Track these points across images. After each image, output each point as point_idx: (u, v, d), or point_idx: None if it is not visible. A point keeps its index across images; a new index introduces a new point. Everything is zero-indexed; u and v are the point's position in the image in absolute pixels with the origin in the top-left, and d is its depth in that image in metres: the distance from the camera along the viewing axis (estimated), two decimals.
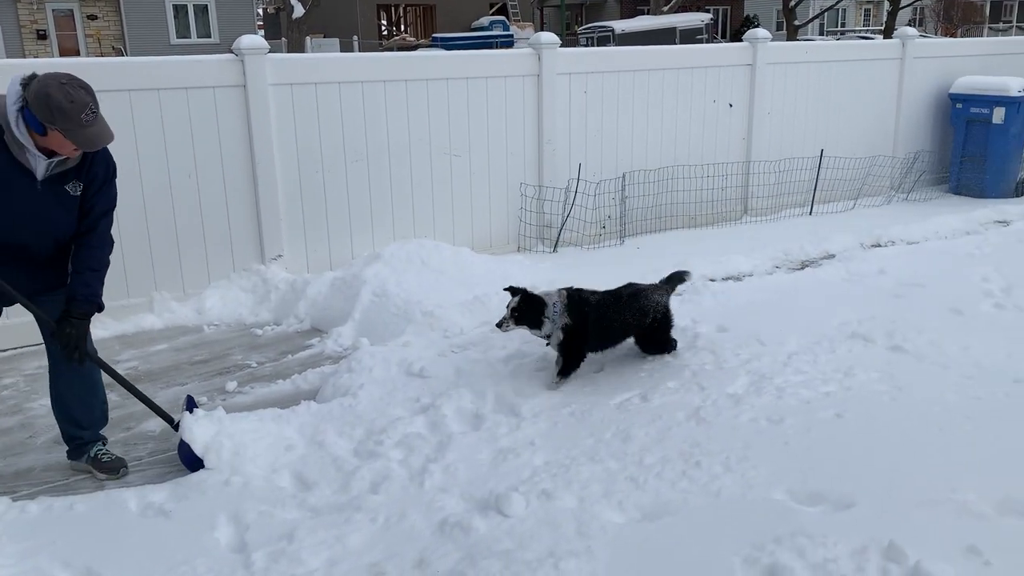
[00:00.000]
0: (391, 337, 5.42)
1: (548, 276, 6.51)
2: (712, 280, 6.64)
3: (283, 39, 26.71)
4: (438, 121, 7.18)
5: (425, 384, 4.69)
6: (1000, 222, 8.55)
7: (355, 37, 33.41)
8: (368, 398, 4.52)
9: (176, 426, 4.07)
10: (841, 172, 9.42)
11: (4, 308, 3.73)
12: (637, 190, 8.20)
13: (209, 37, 29.18)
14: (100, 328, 5.73)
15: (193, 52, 20.96)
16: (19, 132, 3.34)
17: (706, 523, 3.27)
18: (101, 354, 4.01)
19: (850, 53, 9.96)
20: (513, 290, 4.65)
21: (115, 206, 3.76)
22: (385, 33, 42.23)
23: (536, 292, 4.68)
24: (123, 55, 24.99)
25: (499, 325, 4.60)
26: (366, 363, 4.93)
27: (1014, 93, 9.55)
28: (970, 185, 10.01)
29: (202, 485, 3.72)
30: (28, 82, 3.35)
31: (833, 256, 7.36)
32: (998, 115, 9.64)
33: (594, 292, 4.80)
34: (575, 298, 4.66)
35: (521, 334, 4.78)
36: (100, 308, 3.73)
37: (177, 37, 28.73)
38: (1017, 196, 9.85)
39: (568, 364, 4.65)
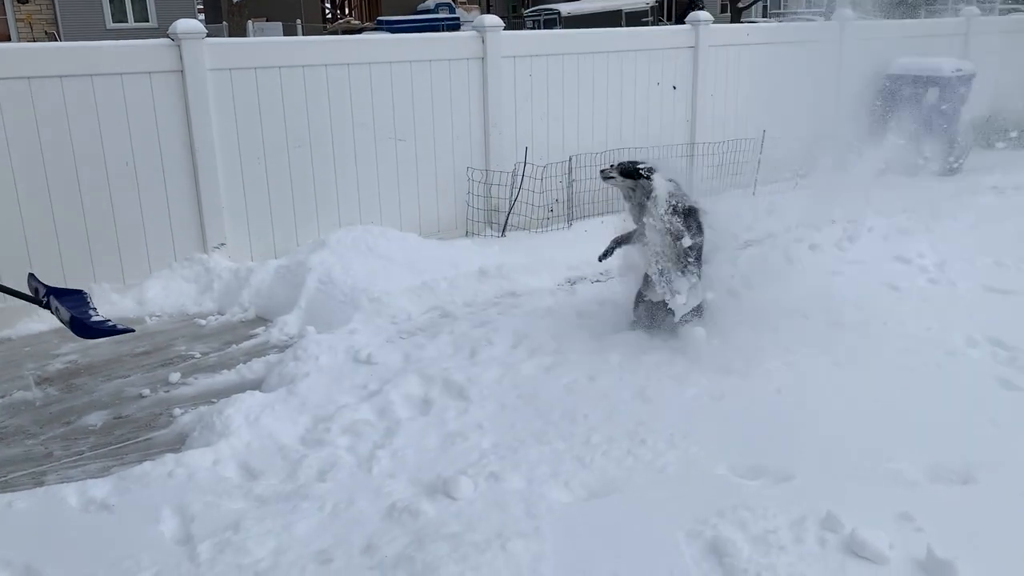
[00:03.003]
0: (338, 325, 5.38)
1: (497, 260, 6.52)
2: None
3: (224, 23, 26.15)
4: (382, 105, 7.12)
5: (372, 371, 4.68)
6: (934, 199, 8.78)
7: (298, 21, 32.82)
8: (315, 386, 4.49)
9: (46, 304, 3.99)
10: (782, 152, 9.57)
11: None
12: (584, 173, 8.23)
13: (147, 21, 28.38)
14: (36, 321, 5.60)
15: (130, 37, 20.38)
16: None
17: (651, 499, 3.34)
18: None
19: (790, 35, 10.11)
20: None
21: None
22: (329, 16, 41.59)
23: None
24: (57, 40, 24.21)
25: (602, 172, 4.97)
26: (312, 351, 4.90)
27: (947, 73, 9.83)
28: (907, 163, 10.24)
29: (145, 478, 3.66)
30: None
31: (773, 235, 7.47)
32: (932, 95, 9.89)
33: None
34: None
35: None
36: None
37: (113, 21, 27.88)
38: (951, 174, 10.12)
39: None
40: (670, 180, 4.76)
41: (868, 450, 3.61)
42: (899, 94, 10.15)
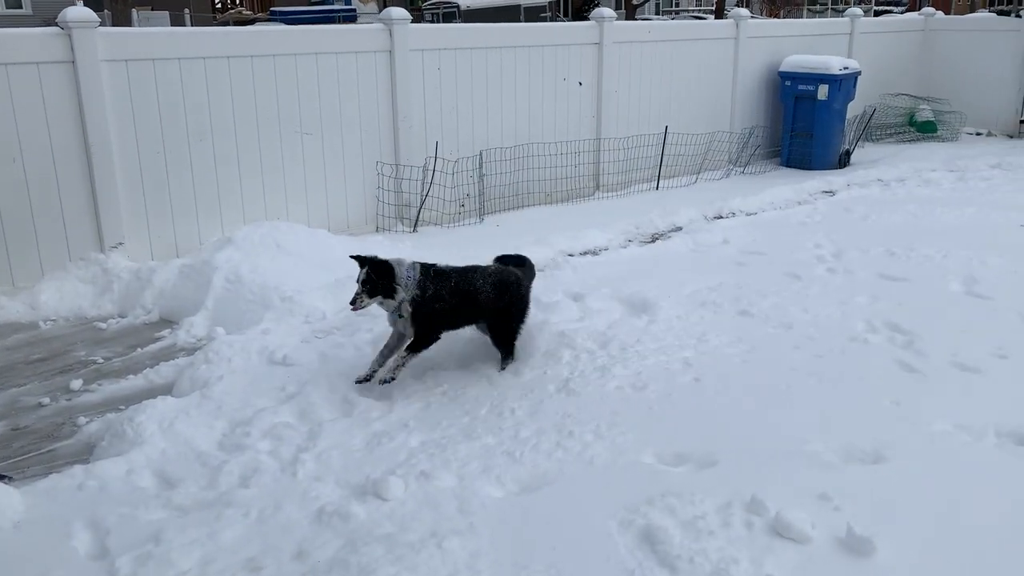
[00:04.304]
0: (249, 325, 5.22)
1: (410, 256, 6.44)
2: (571, 255, 6.80)
3: (105, 11, 24.90)
4: (287, 98, 6.93)
5: (290, 372, 4.56)
6: (827, 192, 9.21)
7: (186, 10, 31.60)
8: (230, 389, 4.34)
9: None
10: (684, 148, 9.84)
11: None
12: (494, 167, 8.25)
13: (20, 8, 26.78)
14: None
15: (3, 25, 19.18)
16: None
17: (582, 491, 3.37)
18: None
19: (690, 32, 10.39)
20: (360, 259, 4.30)
21: None
22: (219, 6, 40.23)
23: (386, 259, 4.30)
24: None
25: (353, 303, 4.24)
26: (224, 353, 4.74)
27: (836, 71, 10.27)
28: (799, 158, 10.70)
29: (52, 491, 3.47)
30: None
31: (680, 228, 7.70)
32: (822, 92, 10.34)
33: (448, 266, 4.52)
34: (429, 270, 4.36)
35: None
36: None
37: None
38: (840, 167, 10.62)
39: (419, 339, 4.34)
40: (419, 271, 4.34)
41: (785, 434, 3.75)
42: (792, 91, 10.58)
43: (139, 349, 5.26)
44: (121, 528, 3.21)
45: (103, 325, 5.63)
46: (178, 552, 3.04)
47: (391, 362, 4.35)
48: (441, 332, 4.45)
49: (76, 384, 4.71)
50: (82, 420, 4.27)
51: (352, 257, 4.37)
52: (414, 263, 4.37)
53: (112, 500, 3.41)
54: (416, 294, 4.27)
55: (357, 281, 4.26)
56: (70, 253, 6.08)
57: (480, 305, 4.46)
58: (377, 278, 4.22)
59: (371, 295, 4.23)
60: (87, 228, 6.13)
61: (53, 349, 5.25)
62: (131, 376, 4.82)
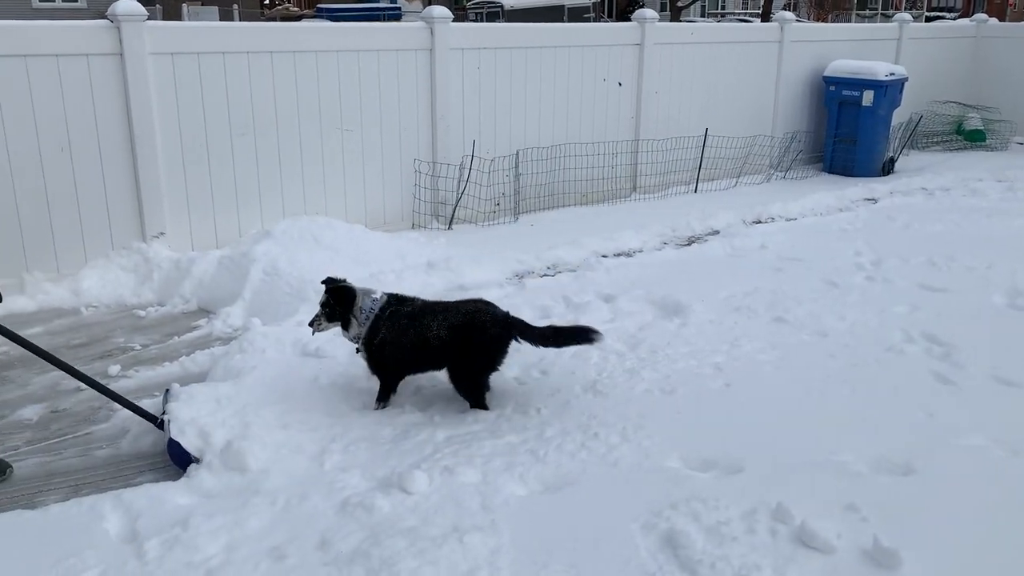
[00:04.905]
0: (284, 317, 5.29)
1: (444, 253, 6.51)
2: (604, 256, 6.78)
3: (157, 6, 25.41)
4: (328, 95, 7.01)
5: (321, 364, 4.61)
6: (869, 199, 9.06)
7: (235, 6, 32.11)
8: (262, 379, 4.40)
9: (160, 424, 3.84)
10: (724, 151, 9.75)
11: None
12: (530, 167, 8.26)
13: (75, 0, 27.44)
14: None
15: (58, 17, 19.65)
16: None
17: (606, 492, 3.36)
18: None
19: (733, 35, 10.29)
20: (329, 281, 4.13)
21: None
22: (267, 2, 40.76)
23: (354, 286, 4.08)
24: None
25: (311, 324, 4.10)
26: (259, 344, 4.80)
27: (882, 77, 10.10)
28: (842, 164, 10.54)
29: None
30: None
31: (717, 232, 7.63)
32: (867, 97, 10.17)
33: (415, 300, 4.14)
34: (391, 304, 4.05)
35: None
36: None
37: (39, 0, 26.87)
38: (884, 175, 10.44)
39: (381, 384, 4.10)
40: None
41: (814, 443, 3.71)
42: (836, 96, 10.43)
43: (176, 337, 5.36)
44: (151, 512, 3.27)
45: (142, 313, 5.75)
46: (205, 537, 3.09)
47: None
48: (397, 378, 4.15)
49: (114, 369, 4.82)
50: (116, 406, 4.35)
51: (322, 282, 4.17)
52: (385, 294, 4.12)
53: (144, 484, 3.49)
54: (363, 334, 4.02)
55: (319, 303, 4.13)
56: (113, 242, 6.22)
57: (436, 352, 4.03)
58: (335, 304, 4.04)
59: (329, 320, 4.08)
60: (130, 217, 6.26)
61: (94, 335, 5.37)
62: (167, 363, 4.91)
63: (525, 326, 4.07)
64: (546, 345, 4.12)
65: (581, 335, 4.04)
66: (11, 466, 3.76)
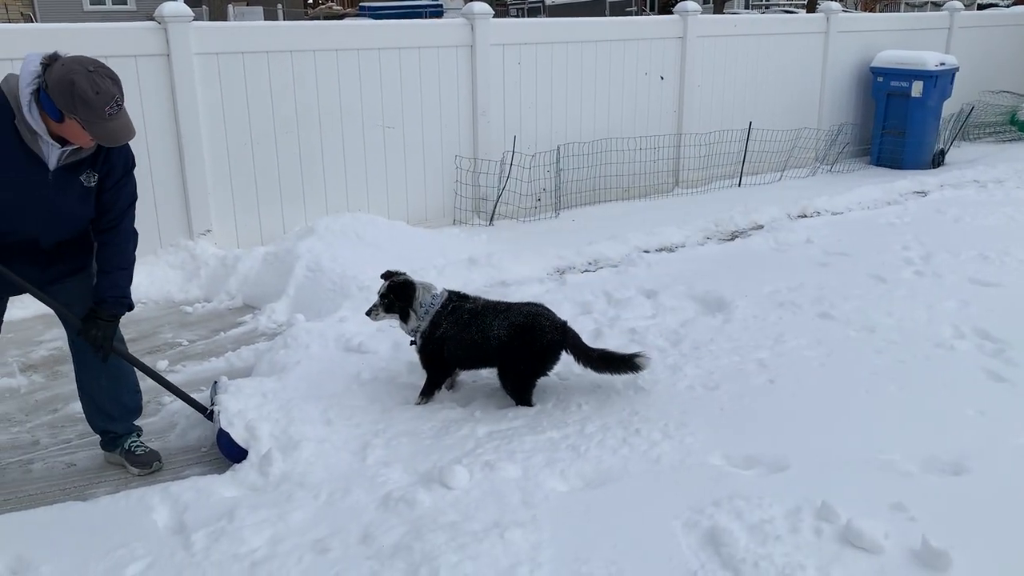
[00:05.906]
0: (327, 313, 5.35)
1: (486, 249, 6.52)
2: (646, 251, 6.73)
3: (204, 7, 25.82)
4: (370, 92, 7.06)
5: (364, 359, 4.65)
6: (919, 192, 8.87)
7: (279, 6, 32.49)
8: (306, 374, 4.45)
9: (210, 415, 3.93)
10: (768, 144, 9.62)
11: (11, 297, 3.52)
12: (572, 162, 8.23)
13: (125, 3, 28.02)
14: (19, 308, 5.50)
15: (108, 19, 20.08)
16: (31, 118, 3.05)
17: (647, 489, 3.34)
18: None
19: (776, 27, 10.14)
20: (388, 274, 4.25)
21: (136, 199, 3.48)
22: (311, 2, 41.19)
23: (414, 280, 4.19)
24: (33, 22, 23.80)
25: (368, 313, 4.19)
26: (302, 339, 4.86)
27: (932, 67, 9.88)
28: (890, 157, 10.34)
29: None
30: (49, 63, 3.07)
31: (762, 226, 7.53)
32: (917, 88, 9.96)
33: (476, 299, 4.24)
34: (452, 299, 4.16)
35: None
36: (130, 307, 3.49)
37: (91, 3, 27.49)
38: (934, 167, 10.21)
39: (429, 378, 4.17)
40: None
41: (861, 441, 3.64)
42: (884, 87, 10.22)
43: (222, 333, 5.45)
44: (197, 504, 3.33)
45: (189, 309, 5.85)
46: (250, 530, 3.14)
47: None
48: (447, 374, 4.23)
49: (162, 364, 4.91)
50: (166, 399, 4.44)
51: (382, 276, 4.26)
52: (445, 291, 4.22)
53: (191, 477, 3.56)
54: (424, 327, 4.12)
55: (378, 293, 4.21)
56: (161, 240, 6.34)
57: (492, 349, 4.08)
58: (395, 298, 4.13)
59: (387, 311, 4.16)
60: (178, 215, 6.38)
61: (142, 330, 5.49)
62: (213, 359, 5.00)
63: (578, 340, 4.11)
64: (586, 367, 4.08)
65: (627, 364, 4.01)
66: (160, 458, 3.83)
